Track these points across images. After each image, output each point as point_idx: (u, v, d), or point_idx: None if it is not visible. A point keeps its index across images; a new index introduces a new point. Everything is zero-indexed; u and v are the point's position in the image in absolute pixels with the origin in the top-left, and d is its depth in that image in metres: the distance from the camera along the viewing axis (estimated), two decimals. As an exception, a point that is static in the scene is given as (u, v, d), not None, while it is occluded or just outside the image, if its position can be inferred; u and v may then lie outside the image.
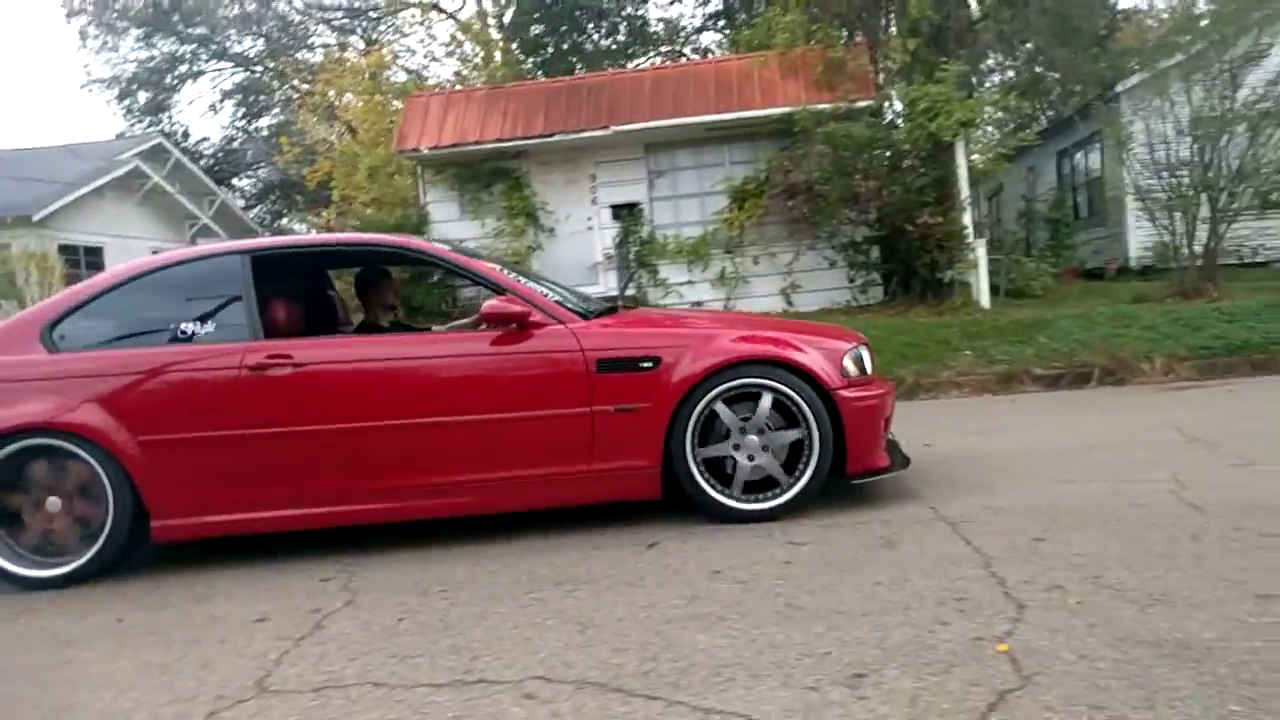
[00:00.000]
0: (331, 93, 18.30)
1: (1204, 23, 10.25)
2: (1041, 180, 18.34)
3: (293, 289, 4.34)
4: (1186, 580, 2.74)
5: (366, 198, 15.21)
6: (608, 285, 12.27)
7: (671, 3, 21.28)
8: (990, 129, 15.68)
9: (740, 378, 3.71)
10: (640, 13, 21.14)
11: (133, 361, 3.74)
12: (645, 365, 3.71)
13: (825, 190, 10.73)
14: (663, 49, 20.92)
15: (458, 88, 16.76)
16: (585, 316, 3.98)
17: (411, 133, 12.48)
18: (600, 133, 11.89)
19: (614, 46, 20.43)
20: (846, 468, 3.78)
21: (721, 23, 21.59)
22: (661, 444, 3.71)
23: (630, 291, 12.35)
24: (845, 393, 3.74)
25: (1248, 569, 2.79)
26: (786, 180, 11.33)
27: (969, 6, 11.60)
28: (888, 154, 10.72)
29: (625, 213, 12.46)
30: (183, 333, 3.81)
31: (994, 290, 10.77)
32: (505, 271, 4.27)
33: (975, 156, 18.37)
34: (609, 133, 11.86)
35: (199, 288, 3.94)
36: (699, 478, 3.72)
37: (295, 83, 24.20)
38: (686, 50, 21.01)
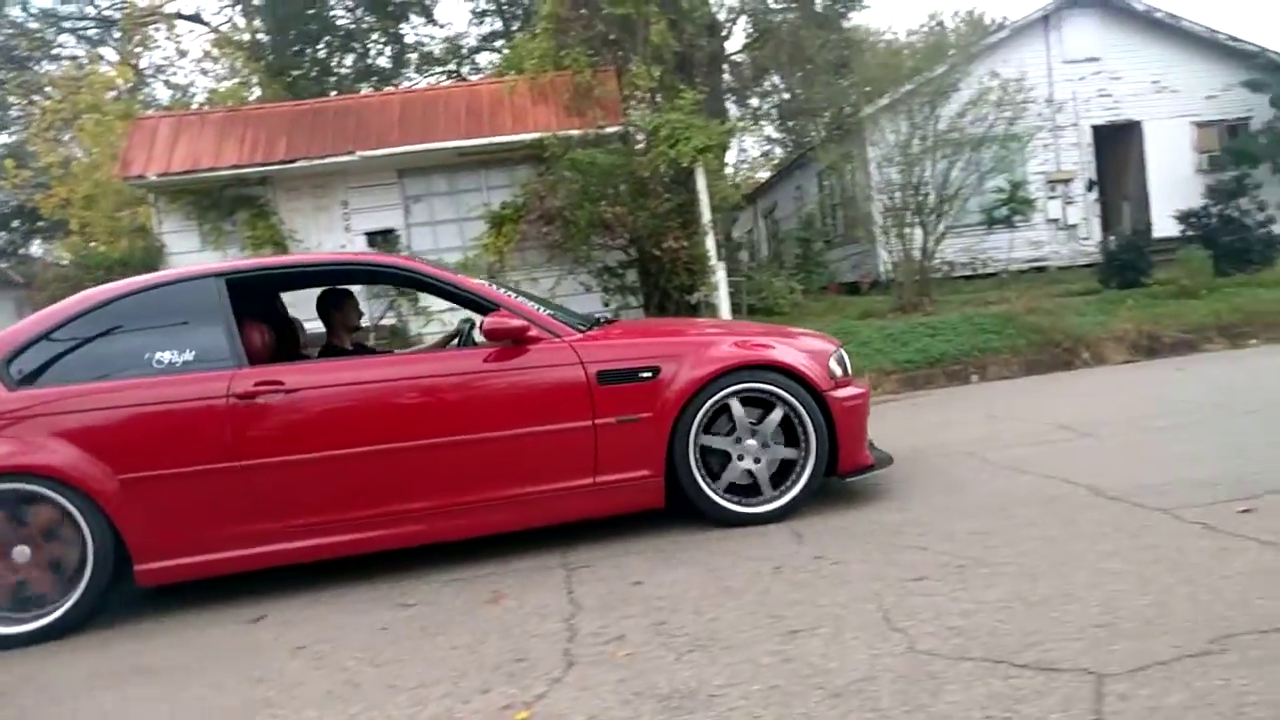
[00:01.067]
0: (66, 110, 16.72)
1: (908, 63, 11.13)
2: (808, 198, 19.44)
3: (259, 312, 4.10)
4: (738, 620, 2.81)
5: (98, 228, 14.00)
6: (370, 315, 11.84)
7: (428, 24, 20.63)
8: (751, 153, 16.51)
9: (737, 383, 3.77)
10: (408, 32, 20.67)
11: (108, 395, 3.48)
12: (645, 375, 3.72)
13: (576, 217, 10.82)
14: (436, 70, 20.56)
15: (192, 108, 15.73)
16: (580, 329, 3.93)
17: (138, 158, 11.57)
18: (346, 158, 11.48)
19: (370, 67, 19.85)
20: (838, 467, 3.89)
21: (500, 42, 21.48)
22: (664, 453, 3.72)
23: (389, 320, 11.96)
24: (834, 394, 3.86)
25: (798, 602, 2.90)
26: (542, 206, 11.35)
27: (713, 36, 12.04)
28: (634, 180, 10.94)
29: (381, 240, 12.09)
30: (158, 362, 3.55)
31: (737, 309, 11.20)
32: (496, 287, 4.14)
33: (736, 180, 19.29)
34: (355, 158, 11.47)
35: (172, 314, 3.67)
36: (701, 482, 3.76)
37: (35, 98, 22.01)
38: (464, 70, 20.73)
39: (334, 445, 3.55)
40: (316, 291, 4.56)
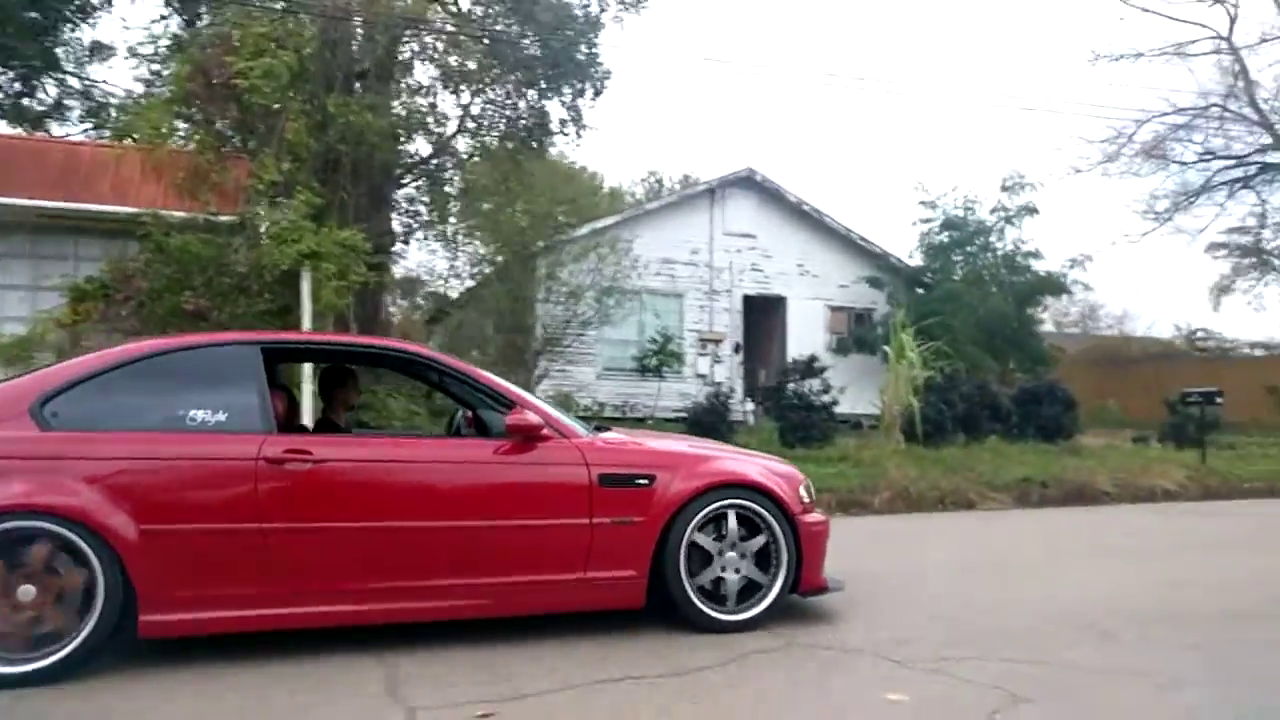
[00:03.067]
0: None
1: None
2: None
3: (273, 382, 4.24)
4: None
5: None
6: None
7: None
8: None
9: (724, 499, 4.03)
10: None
11: (141, 445, 3.51)
12: (641, 482, 3.95)
13: (155, 306, 9.79)
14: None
15: None
16: (585, 433, 4.14)
17: None
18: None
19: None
20: (800, 585, 4.15)
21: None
22: (650, 556, 3.92)
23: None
24: (804, 517, 4.18)
25: None
26: (130, 286, 10.21)
27: (358, 145, 11.74)
28: (232, 275, 10.14)
29: (-79, 296, 10.30)
30: (192, 419, 3.60)
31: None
32: (509, 384, 4.28)
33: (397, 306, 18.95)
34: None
35: (209, 374, 3.78)
36: (686, 584, 3.95)
37: None
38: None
39: (352, 518, 3.66)
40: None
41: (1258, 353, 23.67)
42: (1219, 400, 11.16)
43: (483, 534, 3.80)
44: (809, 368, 11.14)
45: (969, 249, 18.20)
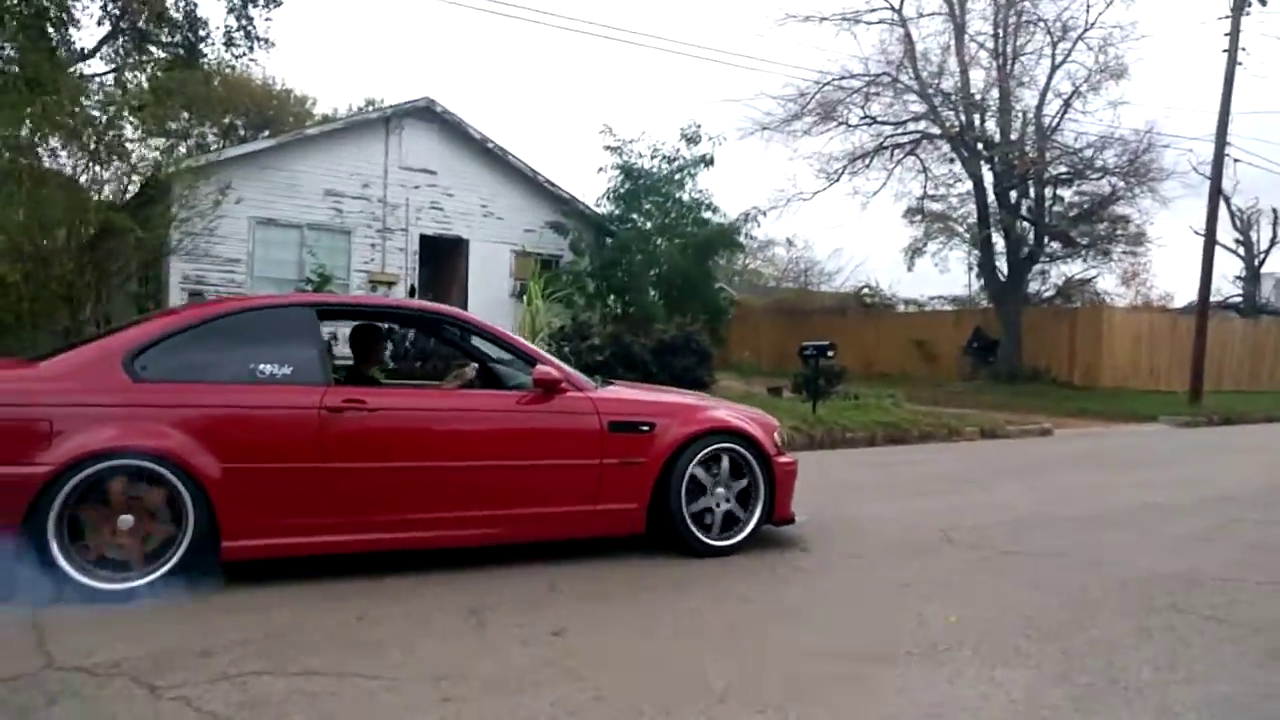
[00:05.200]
0: None
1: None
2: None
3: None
4: None
5: None
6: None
7: None
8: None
9: (714, 444, 4.76)
10: None
11: (220, 394, 3.99)
12: (644, 428, 4.64)
13: None
14: None
15: None
16: (596, 385, 4.83)
17: None
18: None
19: None
20: (774, 515, 4.92)
21: None
22: (650, 491, 4.60)
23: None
24: (778, 459, 4.96)
25: None
26: None
27: None
28: None
29: None
30: (261, 372, 4.09)
31: None
32: (531, 344, 5.16)
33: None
34: None
35: (275, 332, 4.28)
36: (686, 515, 4.64)
37: None
38: None
39: (401, 458, 4.23)
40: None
41: (911, 310, 26.00)
42: (830, 354, 11.70)
43: (512, 472, 4.42)
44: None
45: (655, 198, 18.26)
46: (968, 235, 22.15)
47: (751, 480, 4.83)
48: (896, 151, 21.26)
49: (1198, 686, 3.06)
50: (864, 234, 67.48)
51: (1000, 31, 20.36)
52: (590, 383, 4.79)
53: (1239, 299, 36.15)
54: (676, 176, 18.13)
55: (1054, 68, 20.27)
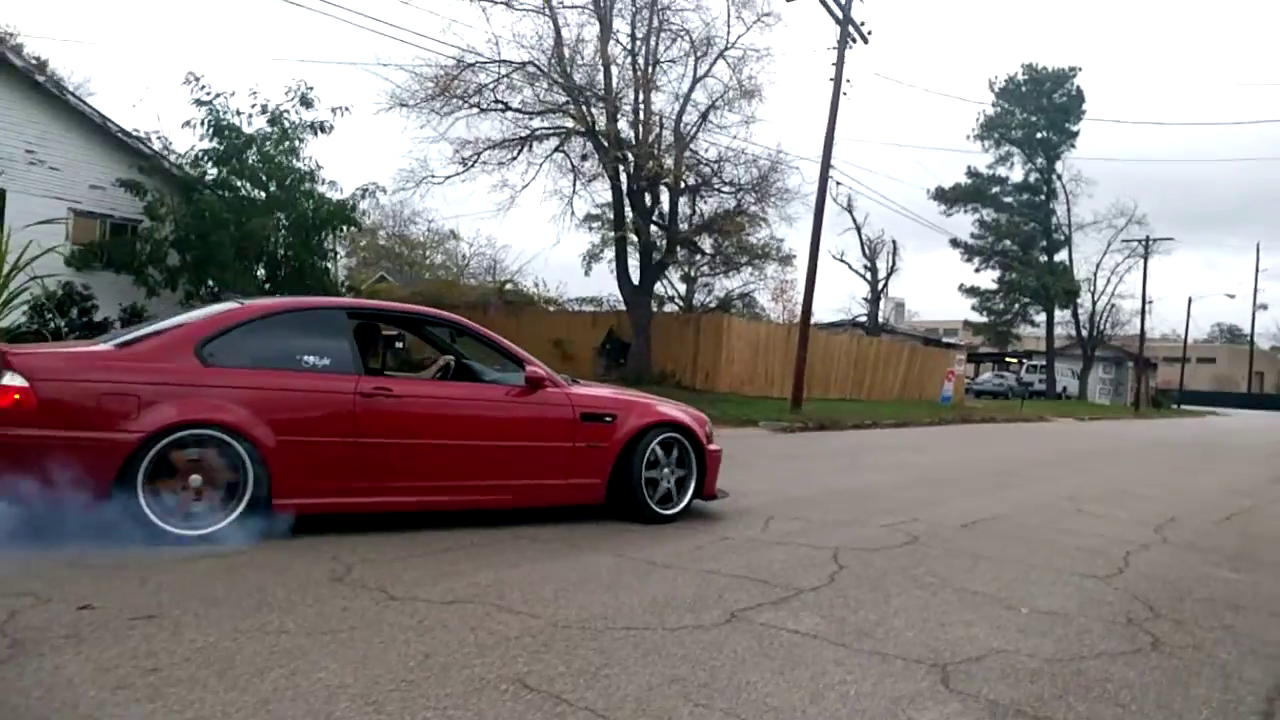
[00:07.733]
0: None
1: None
2: None
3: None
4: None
5: None
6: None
7: None
8: None
9: (661, 433, 6.01)
10: None
11: (275, 379, 4.89)
12: (607, 419, 5.87)
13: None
14: None
15: None
16: (569, 383, 5.97)
17: None
18: None
19: None
20: (704, 492, 6.24)
21: None
22: (610, 470, 5.83)
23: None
24: (709, 446, 6.30)
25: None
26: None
27: None
28: None
29: None
30: (305, 362, 5.04)
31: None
32: (519, 348, 5.96)
33: None
34: None
35: (316, 328, 5.24)
36: (644, 489, 5.90)
37: None
38: None
39: (420, 436, 5.23)
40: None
41: (551, 308, 25.95)
42: (400, 345, 10.84)
43: (505, 450, 5.54)
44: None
45: (258, 163, 16.14)
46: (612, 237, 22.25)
47: (688, 463, 6.14)
48: (541, 145, 20.79)
49: None
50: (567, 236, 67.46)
51: (635, 32, 20.58)
52: (564, 380, 5.95)
53: (864, 318, 40.60)
54: (285, 144, 16.18)
55: (695, 80, 20.89)
